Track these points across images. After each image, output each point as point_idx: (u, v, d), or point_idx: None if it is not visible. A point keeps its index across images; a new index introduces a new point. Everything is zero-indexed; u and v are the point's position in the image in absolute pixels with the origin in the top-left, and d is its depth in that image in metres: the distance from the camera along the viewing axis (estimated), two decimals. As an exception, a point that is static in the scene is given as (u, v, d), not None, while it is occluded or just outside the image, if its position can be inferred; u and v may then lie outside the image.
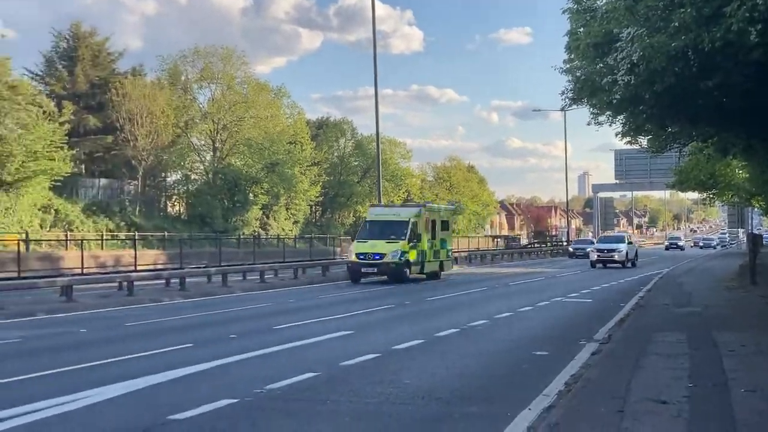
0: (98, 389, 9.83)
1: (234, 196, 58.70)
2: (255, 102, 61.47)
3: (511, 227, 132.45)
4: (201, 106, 62.17)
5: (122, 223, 50.21)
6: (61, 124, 44.71)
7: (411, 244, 32.59)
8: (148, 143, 53.12)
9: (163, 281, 29.02)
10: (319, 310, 20.95)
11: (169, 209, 61.59)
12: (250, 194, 60.23)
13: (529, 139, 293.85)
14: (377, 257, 31.92)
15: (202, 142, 62.92)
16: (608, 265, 45.82)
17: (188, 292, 26.60)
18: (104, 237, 46.35)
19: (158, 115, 53.32)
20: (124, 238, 47.46)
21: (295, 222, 67.05)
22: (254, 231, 58.91)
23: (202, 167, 62.68)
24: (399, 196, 78.37)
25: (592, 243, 56.58)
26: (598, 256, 46.70)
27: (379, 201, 47.57)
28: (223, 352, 13.03)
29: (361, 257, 32.20)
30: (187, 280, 28.36)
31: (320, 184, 68.79)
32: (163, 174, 61.66)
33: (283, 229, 62.69)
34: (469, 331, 16.12)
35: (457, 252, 57.66)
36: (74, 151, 47.29)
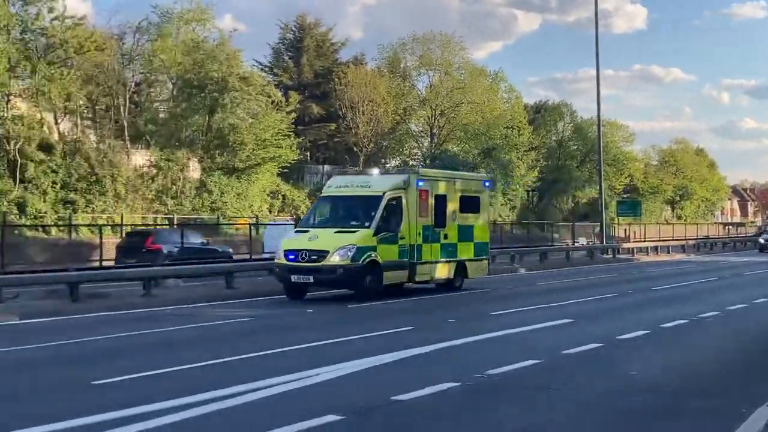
0: (325, 368, 10.13)
1: (451, 181, 59.05)
2: (472, 87, 61.46)
3: (744, 214, 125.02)
4: (419, 92, 62.98)
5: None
6: (288, 113, 46.89)
7: (384, 234, 19.82)
8: (369, 130, 54.54)
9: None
10: (537, 297, 20.67)
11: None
12: (468, 180, 60.40)
13: (765, 120, 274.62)
14: (314, 256, 19.17)
15: (420, 129, 63.82)
16: None
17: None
18: (328, 221, 48.12)
19: (379, 103, 54.60)
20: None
21: (512, 208, 66.58)
22: (471, 216, 59.00)
23: (419, 153, 63.55)
24: (621, 182, 75.72)
25: None
26: None
27: (600, 187, 44.72)
28: (442, 336, 13.12)
29: (291, 257, 19.49)
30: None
31: (537, 169, 67.85)
32: (383, 160, 63.10)
33: (499, 215, 62.39)
34: (699, 323, 15.35)
35: (683, 239, 55.23)
36: (300, 139, 49.45)
